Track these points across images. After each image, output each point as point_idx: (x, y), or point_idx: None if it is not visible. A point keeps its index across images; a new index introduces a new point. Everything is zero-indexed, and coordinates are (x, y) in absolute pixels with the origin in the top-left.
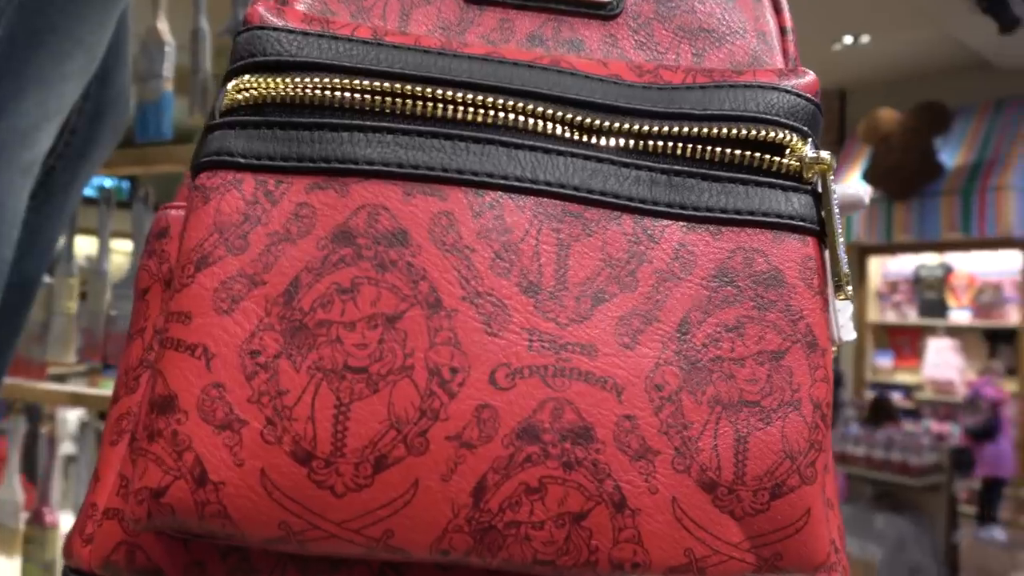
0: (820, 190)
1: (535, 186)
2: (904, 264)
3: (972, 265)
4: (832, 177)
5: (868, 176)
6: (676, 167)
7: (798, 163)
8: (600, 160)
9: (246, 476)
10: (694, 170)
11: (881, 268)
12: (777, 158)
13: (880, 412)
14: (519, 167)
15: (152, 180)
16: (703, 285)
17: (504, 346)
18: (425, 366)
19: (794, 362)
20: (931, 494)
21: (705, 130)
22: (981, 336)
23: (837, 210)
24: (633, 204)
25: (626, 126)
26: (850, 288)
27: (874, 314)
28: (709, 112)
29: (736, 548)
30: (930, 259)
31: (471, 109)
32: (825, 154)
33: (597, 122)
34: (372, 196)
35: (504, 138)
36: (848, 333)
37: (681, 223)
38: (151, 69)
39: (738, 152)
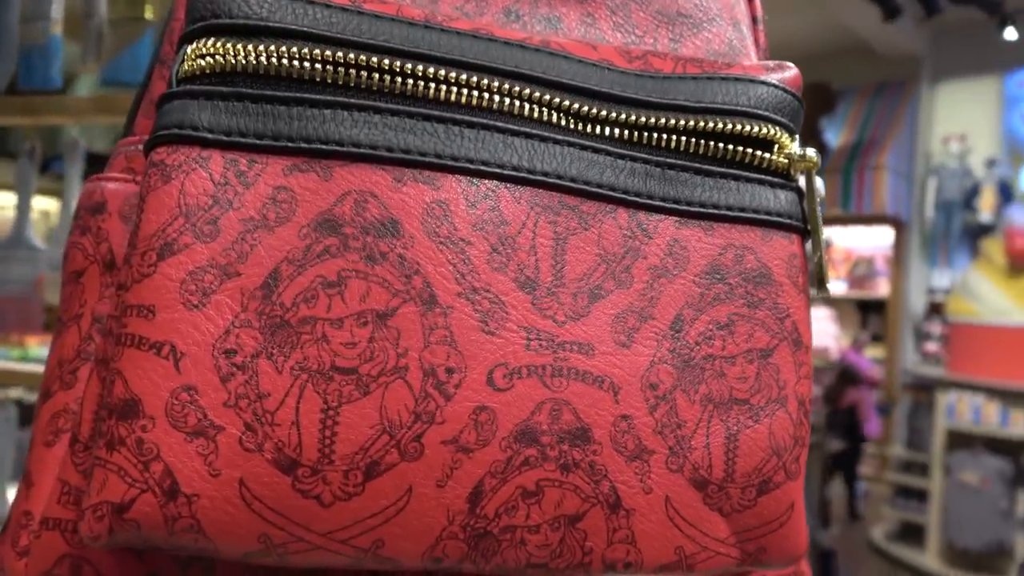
0: (804, 187)
1: (532, 176)
2: None
3: (849, 239)
4: (816, 174)
5: None
6: (670, 160)
7: (786, 160)
8: (597, 151)
9: (223, 487)
10: (688, 163)
11: None
12: (767, 155)
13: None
14: (516, 155)
15: (38, 132)
16: (696, 282)
17: (502, 345)
18: (420, 366)
19: (781, 360)
20: (809, 452)
21: (700, 123)
22: (854, 306)
23: (821, 208)
24: (629, 197)
25: (623, 116)
26: (831, 287)
27: None
28: (703, 105)
29: (723, 544)
30: None
31: (464, 91)
32: (811, 152)
33: (594, 111)
34: (359, 181)
35: (500, 124)
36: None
37: (674, 218)
38: (38, 9)
39: (731, 147)
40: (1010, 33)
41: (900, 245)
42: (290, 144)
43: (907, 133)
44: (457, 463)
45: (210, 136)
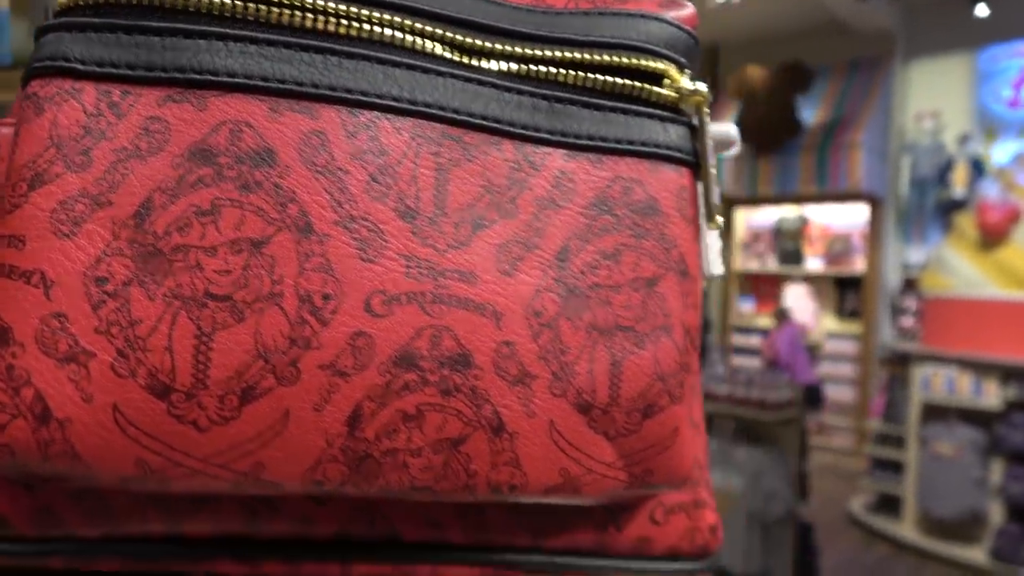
0: (696, 123)
1: (413, 107)
2: (767, 216)
3: (826, 217)
4: (708, 110)
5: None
6: (558, 93)
7: (676, 94)
8: (482, 83)
9: (96, 412)
10: (575, 97)
11: (746, 220)
12: (656, 88)
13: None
14: (396, 86)
15: None
16: (583, 213)
17: (380, 272)
18: (295, 293)
19: (667, 289)
20: (784, 427)
21: (588, 57)
22: (832, 283)
23: (711, 143)
24: (515, 130)
25: (509, 49)
26: (721, 219)
27: (739, 263)
28: (591, 39)
29: (609, 467)
30: (789, 211)
31: (344, 21)
32: (702, 86)
33: (479, 43)
34: (235, 111)
35: (381, 55)
36: (717, 267)
37: (562, 151)
38: None
39: (619, 81)
40: (981, 10)
41: (876, 222)
42: (163, 75)
43: (881, 110)
44: (334, 387)
45: (82, 68)
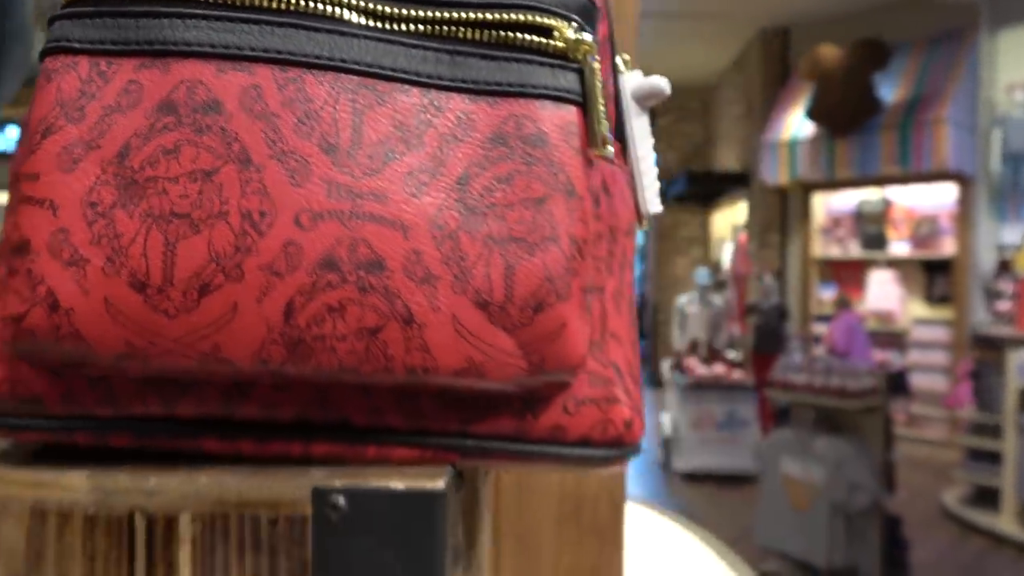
0: (585, 68)
1: (332, 63)
2: (847, 200)
3: (911, 198)
4: (596, 56)
5: (811, 113)
6: (459, 48)
7: (564, 44)
8: (391, 42)
9: (92, 303)
10: (473, 50)
11: (825, 204)
12: (545, 39)
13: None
14: (318, 47)
15: None
16: (480, 146)
17: (306, 194)
18: (239, 211)
19: (555, 206)
20: (867, 416)
21: (483, 15)
22: (919, 267)
23: (599, 83)
24: (421, 79)
25: (414, 13)
26: (610, 148)
27: (818, 249)
28: (487, 1)
29: (509, 355)
30: (871, 194)
31: None
32: (587, 36)
33: (388, 9)
34: (190, 73)
35: (304, 22)
36: (655, 206)
37: (464, 95)
38: (56, 2)
39: (512, 35)
40: None
41: (965, 201)
42: (137, 47)
43: (968, 84)
44: (271, 284)
45: (78, 46)
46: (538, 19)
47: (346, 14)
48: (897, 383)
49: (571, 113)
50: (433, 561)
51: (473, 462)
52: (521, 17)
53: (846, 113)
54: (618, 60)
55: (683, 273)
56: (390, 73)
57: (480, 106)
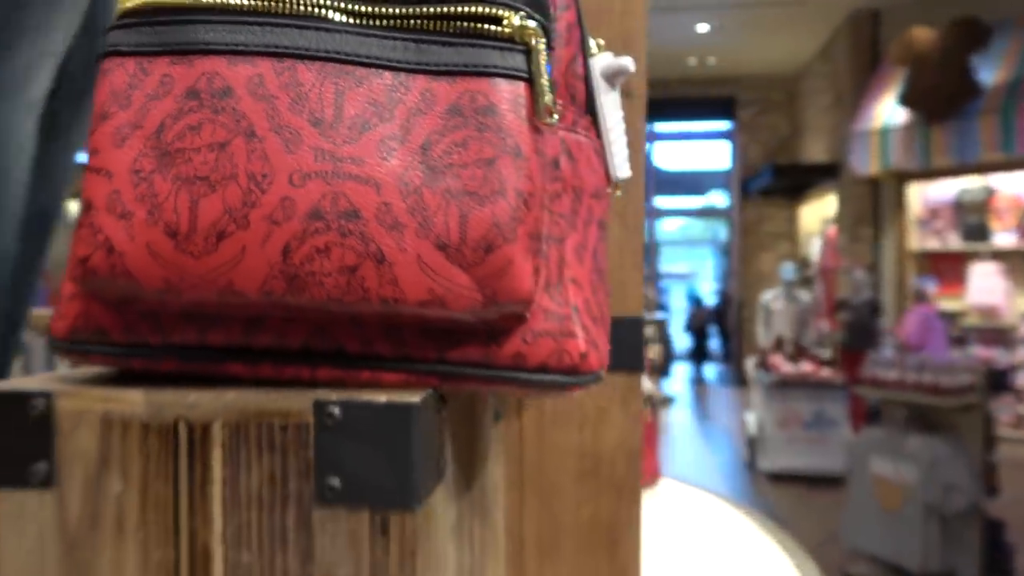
0: (531, 50)
1: (318, 54)
2: (945, 189)
3: (1016, 186)
4: (539, 40)
5: (904, 99)
6: (422, 37)
7: (511, 30)
8: (367, 35)
9: (137, 247)
10: (435, 38)
11: (921, 194)
12: (495, 27)
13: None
14: (307, 41)
15: None
16: (440, 117)
17: (298, 159)
18: (246, 173)
19: (503, 166)
20: (965, 415)
21: (444, 9)
22: None
23: (544, 62)
24: (391, 64)
25: (386, 10)
26: (555, 117)
27: (915, 242)
28: None
29: (466, 288)
30: (972, 182)
31: (274, 3)
32: (531, 23)
33: (364, 8)
34: (209, 66)
35: (297, 22)
36: (623, 171)
37: (427, 76)
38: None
39: (466, 24)
40: None
41: None
42: (169, 48)
43: None
44: (272, 231)
45: (125, 49)
46: (489, 10)
47: (330, 14)
48: (999, 381)
49: (519, 88)
50: (409, 461)
51: (450, 386)
52: (475, 9)
53: (942, 98)
54: (591, 43)
55: (769, 269)
56: (366, 60)
57: (441, 84)
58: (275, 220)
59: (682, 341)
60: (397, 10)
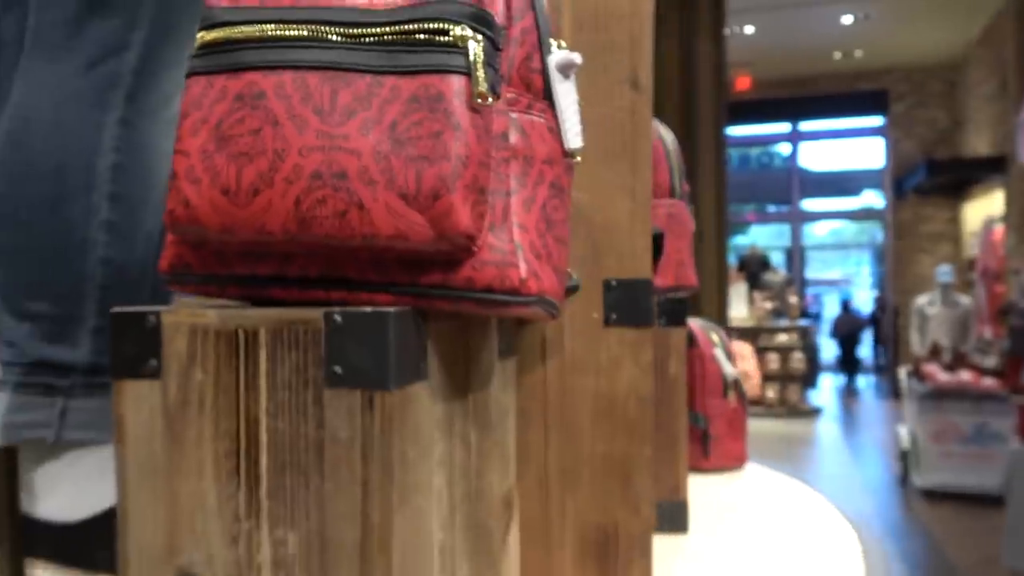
0: (469, 53)
1: (321, 65)
2: None
3: None
4: (476, 44)
5: None
6: (393, 48)
7: (454, 39)
8: (353, 49)
9: (204, 202)
10: (402, 48)
11: None
12: (443, 37)
13: None
14: (314, 56)
15: None
16: (404, 104)
17: (305, 138)
18: (272, 150)
19: (447, 137)
20: None
21: (408, 27)
22: None
23: (481, 61)
24: (370, 69)
25: (367, 31)
26: (490, 100)
27: None
28: (412, 18)
29: (421, 226)
30: None
31: (291, 31)
32: (467, 31)
33: (352, 31)
34: (250, 79)
35: (307, 44)
36: (575, 143)
37: (395, 75)
38: None
39: (425, 36)
40: None
41: None
42: (225, 68)
43: None
44: (288, 188)
45: (200, 70)
46: (440, 25)
47: (330, 36)
48: None
49: (461, 80)
50: (386, 355)
51: (422, 303)
52: (430, 25)
53: None
54: (552, 43)
55: (929, 273)
56: (353, 67)
57: (405, 80)
58: (290, 180)
59: (830, 350)
60: (375, 30)
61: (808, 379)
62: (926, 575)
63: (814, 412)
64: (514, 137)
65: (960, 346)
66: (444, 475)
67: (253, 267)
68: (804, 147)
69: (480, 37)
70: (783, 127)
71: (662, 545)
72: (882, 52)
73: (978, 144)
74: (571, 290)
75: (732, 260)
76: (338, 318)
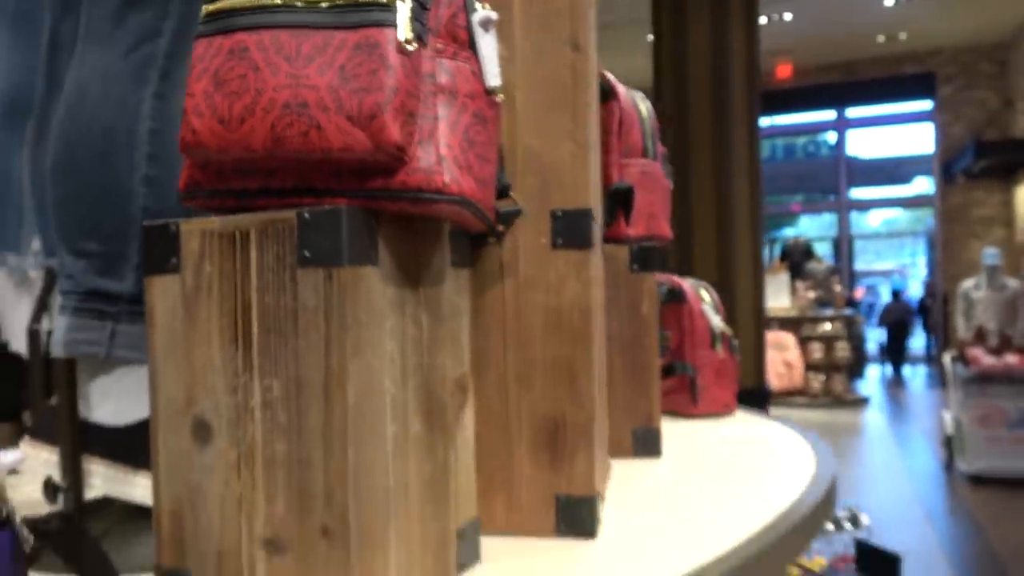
0: (396, 10)
1: (289, 24)
2: None
3: None
4: (404, 4)
5: None
6: (344, 10)
7: (388, 1)
8: (314, 12)
9: (206, 130)
10: (350, 10)
11: None
12: (382, 1)
13: None
14: (285, 18)
15: None
16: (350, 51)
17: (278, 79)
18: (254, 88)
19: (382, 74)
20: None
21: None
22: None
23: (408, 16)
24: (325, 26)
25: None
26: (416, 45)
27: None
28: None
29: (362, 141)
30: None
31: (271, 1)
32: None
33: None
34: (239, 37)
35: (279, 10)
36: (494, 81)
37: (344, 30)
38: None
39: (366, 1)
40: None
41: None
42: (220, 30)
43: None
44: (265, 115)
45: (204, 33)
46: None
47: (297, 4)
48: None
49: (392, 32)
50: (340, 240)
51: (372, 204)
52: None
53: None
54: (476, 4)
55: (980, 258)
56: (312, 25)
57: (351, 34)
58: (267, 110)
59: (879, 340)
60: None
61: (855, 369)
62: (968, 559)
63: (861, 402)
64: (442, 77)
65: (1007, 329)
66: (396, 344)
67: (244, 182)
68: (851, 135)
69: (409, 0)
70: (829, 115)
71: (635, 468)
72: (928, 33)
73: None
74: (514, 214)
75: (776, 252)
76: (306, 215)
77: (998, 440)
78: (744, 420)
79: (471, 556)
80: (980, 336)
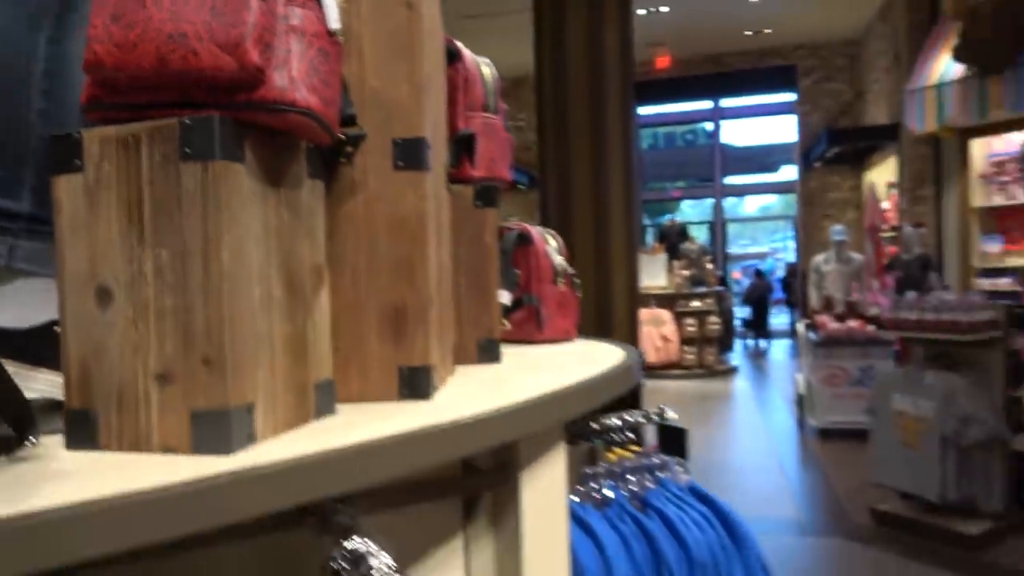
0: None
1: None
2: (1009, 142)
3: None
4: None
5: (959, 54)
6: None
7: None
8: None
9: (105, 52)
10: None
11: (985, 149)
12: None
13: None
14: None
15: None
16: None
17: (163, 15)
18: (143, 19)
19: (244, 13)
20: (987, 351)
21: None
22: None
23: None
24: None
25: None
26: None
27: (978, 198)
28: None
29: (231, 64)
30: None
31: None
32: None
33: None
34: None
35: None
36: (335, 24)
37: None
38: None
39: None
40: None
41: None
42: None
43: None
44: (154, 43)
45: None
46: None
47: None
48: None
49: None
50: (212, 138)
51: (241, 116)
52: None
53: (998, 49)
54: None
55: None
56: None
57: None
58: (154, 39)
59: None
60: None
61: (725, 342)
62: (813, 499)
63: (731, 371)
64: (293, 20)
65: (852, 298)
66: (260, 226)
67: (138, 96)
68: (726, 125)
69: None
70: (706, 105)
71: (477, 369)
72: (789, 29)
73: (877, 114)
74: (361, 137)
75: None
76: (187, 121)
77: (841, 397)
78: (581, 343)
79: (327, 407)
80: (828, 305)
